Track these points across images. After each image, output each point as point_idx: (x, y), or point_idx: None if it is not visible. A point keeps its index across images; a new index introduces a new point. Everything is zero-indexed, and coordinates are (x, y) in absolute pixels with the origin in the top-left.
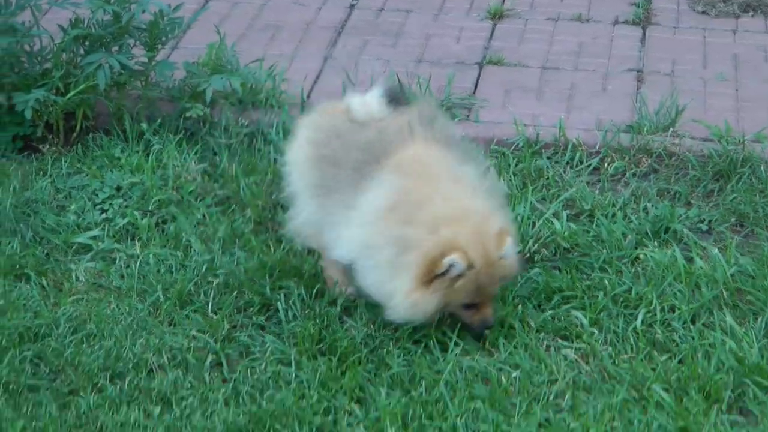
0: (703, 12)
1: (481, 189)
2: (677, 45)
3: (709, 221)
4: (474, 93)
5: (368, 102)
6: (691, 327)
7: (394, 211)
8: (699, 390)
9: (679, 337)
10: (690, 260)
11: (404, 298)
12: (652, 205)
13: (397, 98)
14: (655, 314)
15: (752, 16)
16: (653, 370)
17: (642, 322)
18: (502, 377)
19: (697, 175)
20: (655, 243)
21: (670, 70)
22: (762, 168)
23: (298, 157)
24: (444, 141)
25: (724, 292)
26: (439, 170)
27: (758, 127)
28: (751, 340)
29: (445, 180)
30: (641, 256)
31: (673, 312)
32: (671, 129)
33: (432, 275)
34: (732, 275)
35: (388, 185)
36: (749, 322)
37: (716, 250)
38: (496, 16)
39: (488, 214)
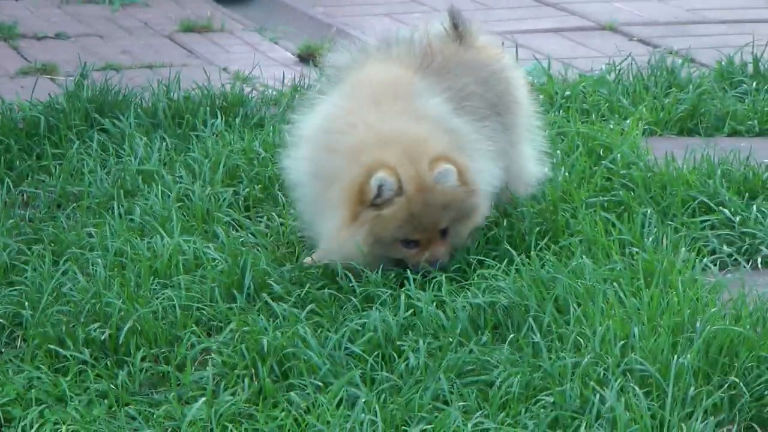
0: None
1: (433, 119)
2: None
3: None
4: None
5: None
6: None
7: (319, 139)
8: None
9: None
10: None
11: (333, 237)
12: None
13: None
14: None
15: None
16: None
17: None
18: None
19: None
20: None
21: None
22: None
23: None
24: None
25: None
26: (385, 94)
27: None
28: None
29: (386, 104)
30: None
31: None
32: None
33: (363, 204)
34: None
35: (320, 110)
36: None
37: None
38: None
39: (423, 139)
